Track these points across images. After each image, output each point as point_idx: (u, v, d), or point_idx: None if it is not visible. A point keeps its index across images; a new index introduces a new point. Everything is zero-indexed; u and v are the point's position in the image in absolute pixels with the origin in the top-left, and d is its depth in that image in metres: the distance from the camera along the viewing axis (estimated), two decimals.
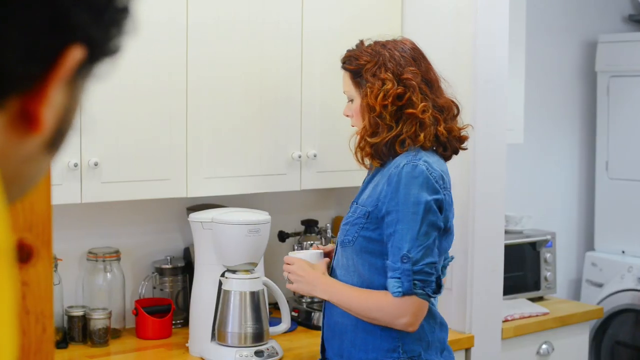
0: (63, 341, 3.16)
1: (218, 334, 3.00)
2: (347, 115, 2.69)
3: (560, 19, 4.95)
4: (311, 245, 3.37)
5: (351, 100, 2.67)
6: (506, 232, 3.88)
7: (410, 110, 2.54)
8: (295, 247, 3.31)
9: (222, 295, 2.99)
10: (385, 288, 2.49)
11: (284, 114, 3.31)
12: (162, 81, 3.03)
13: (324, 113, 3.35)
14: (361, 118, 2.62)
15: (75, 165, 2.87)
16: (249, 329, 2.97)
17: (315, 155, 3.36)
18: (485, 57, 3.37)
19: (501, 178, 3.48)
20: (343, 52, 2.74)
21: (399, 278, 2.43)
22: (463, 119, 2.69)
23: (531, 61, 4.53)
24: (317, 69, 3.36)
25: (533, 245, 4.29)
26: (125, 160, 2.99)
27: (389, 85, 2.56)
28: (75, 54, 0.64)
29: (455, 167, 2.73)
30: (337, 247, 2.67)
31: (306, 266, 2.65)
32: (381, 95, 2.55)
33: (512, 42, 3.64)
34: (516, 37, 3.96)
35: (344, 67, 2.70)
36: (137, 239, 3.43)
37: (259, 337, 2.99)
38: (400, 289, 2.43)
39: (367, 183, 2.65)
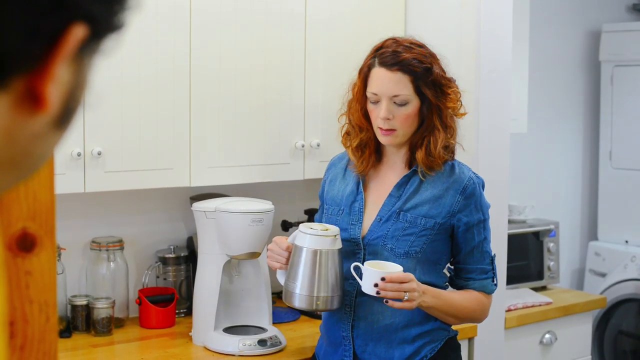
0: (66, 330, 3.16)
1: (286, 293, 2.62)
2: (388, 119, 2.55)
3: (564, 8, 4.94)
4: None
5: (402, 104, 2.55)
6: (509, 221, 3.88)
7: (463, 113, 2.65)
8: (361, 264, 2.59)
9: (293, 251, 2.60)
10: (435, 287, 2.59)
11: (287, 103, 3.31)
12: (166, 70, 3.03)
13: (328, 102, 3.34)
14: (413, 122, 2.57)
15: (79, 154, 2.88)
16: (322, 292, 2.57)
17: (318, 145, 3.36)
18: (489, 46, 3.37)
19: (505, 167, 3.48)
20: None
21: (493, 277, 2.66)
22: (467, 108, 2.71)
23: (535, 51, 4.52)
24: (321, 57, 3.35)
25: (536, 234, 4.29)
26: (129, 149, 2.99)
27: (457, 88, 2.62)
28: (78, 32, 0.64)
29: (459, 157, 2.73)
30: (372, 256, 2.59)
31: (414, 277, 2.50)
32: (457, 97, 2.60)
33: (516, 31, 3.63)
34: (520, 27, 3.95)
35: (402, 70, 2.54)
36: (140, 228, 3.43)
37: (332, 302, 2.59)
38: (496, 286, 2.67)
39: (411, 191, 2.61)
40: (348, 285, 2.62)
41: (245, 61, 3.20)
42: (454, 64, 2.72)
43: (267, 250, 2.68)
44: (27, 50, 0.63)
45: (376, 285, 2.44)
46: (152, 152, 3.03)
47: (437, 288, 2.60)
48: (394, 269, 2.49)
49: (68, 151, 2.86)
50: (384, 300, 2.46)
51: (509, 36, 3.43)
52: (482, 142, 3.36)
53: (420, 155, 2.58)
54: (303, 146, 3.33)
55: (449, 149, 2.61)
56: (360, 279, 2.51)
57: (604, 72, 4.98)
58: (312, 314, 3.41)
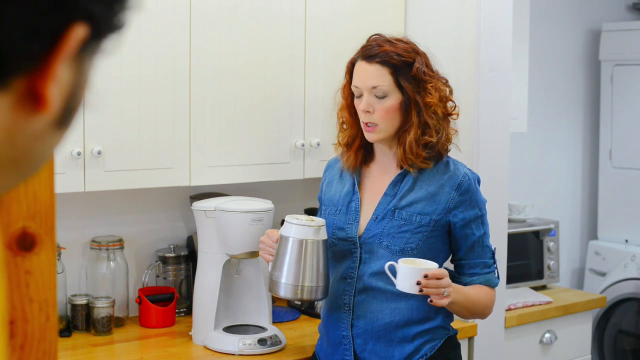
0: (66, 330, 3.16)
1: (271, 283, 2.64)
2: (367, 111, 2.57)
3: (564, 7, 4.94)
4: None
5: (382, 97, 2.57)
6: (509, 221, 3.88)
7: (455, 113, 2.64)
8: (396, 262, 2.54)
9: (279, 241, 2.62)
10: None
11: (287, 102, 3.31)
12: (166, 69, 3.03)
13: (327, 101, 3.34)
14: (394, 117, 2.57)
15: (79, 153, 2.88)
16: (307, 282, 2.58)
17: (318, 144, 3.36)
18: (489, 45, 3.36)
19: (505, 167, 3.47)
20: (357, 45, 2.67)
21: (496, 270, 2.69)
22: (467, 107, 2.71)
23: (535, 50, 4.52)
24: (320, 56, 3.35)
25: (536, 234, 4.29)
26: (129, 148, 2.99)
27: (442, 85, 2.61)
28: (79, 32, 0.64)
29: (459, 156, 2.74)
30: (368, 255, 2.62)
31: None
32: (439, 95, 2.58)
33: (516, 30, 3.63)
34: (520, 26, 3.95)
35: (381, 62, 2.56)
36: (140, 227, 3.43)
37: (316, 292, 2.61)
38: (499, 280, 2.70)
39: (406, 189, 2.62)
40: (346, 285, 2.63)
41: (245, 60, 3.20)
42: (454, 62, 2.72)
43: (260, 242, 2.69)
44: (28, 50, 0.63)
45: (418, 282, 2.44)
46: (152, 151, 3.03)
47: None
48: (429, 266, 2.49)
49: (68, 150, 2.86)
50: (429, 299, 2.46)
51: (509, 35, 3.43)
52: (482, 141, 3.36)
53: (399, 151, 2.60)
54: (303, 145, 3.33)
55: (429, 147, 2.59)
56: (395, 277, 2.50)
57: (604, 71, 4.97)
58: (312, 313, 3.41)
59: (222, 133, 3.17)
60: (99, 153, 2.91)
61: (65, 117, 0.69)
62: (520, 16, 3.92)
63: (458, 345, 2.75)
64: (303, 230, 2.57)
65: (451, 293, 2.47)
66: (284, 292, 2.60)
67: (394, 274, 2.50)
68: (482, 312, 2.68)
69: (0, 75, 0.63)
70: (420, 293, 2.45)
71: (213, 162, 3.16)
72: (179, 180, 3.11)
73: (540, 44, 4.71)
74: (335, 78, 3.17)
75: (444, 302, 2.46)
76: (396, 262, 2.51)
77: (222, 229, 3.01)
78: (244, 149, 3.23)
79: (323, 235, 2.59)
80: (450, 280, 2.49)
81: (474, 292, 2.62)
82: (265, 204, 3.03)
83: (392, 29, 3.45)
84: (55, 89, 0.65)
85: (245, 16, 3.18)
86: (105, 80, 2.85)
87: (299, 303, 3.43)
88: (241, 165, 3.23)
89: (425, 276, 2.43)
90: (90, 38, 0.66)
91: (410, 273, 2.45)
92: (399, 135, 2.60)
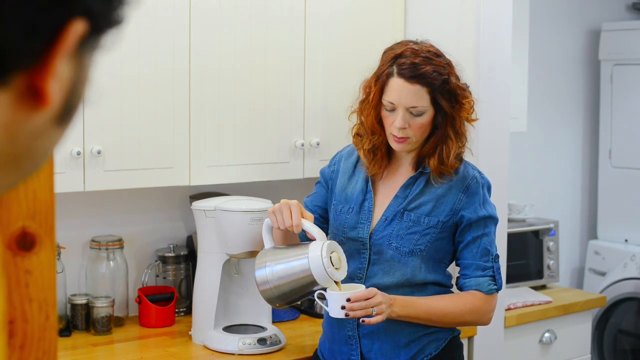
0: (66, 329, 3.16)
1: (259, 261, 2.60)
2: (404, 128, 2.54)
3: (564, 6, 4.94)
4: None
5: (418, 115, 2.54)
6: (509, 220, 3.88)
7: (475, 119, 2.64)
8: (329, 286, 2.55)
9: (300, 252, 2.55)
10: (440, 285, 2.64)
11: (287, 102, 3.31)
12: (165, 69, 3.03)
13: (327, 101, 3.34)
14: (426, 130, 2.57)
15: (79, 153, 2.88)
16: (282, 298, 2.57)
17: (318, 144, 3.36)
18: (488, 45, 3.36)
19: (504, 167, 3.47)
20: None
21: (493, 276, 2.63)
22: None
23: (535, 49, 4.52)
24: (320, 56, 3.35)
25: (536, 233, 4.29)
26: (128, 148, 2.99)
27: (469, 95, 2.63)
28: (77, 28, 0.64)
29: (470, 159, 2.74)
30: (377, 256, 2.62)
31: (379, 291, 2.50)
32: (470, 106, 2.60)
33: (516, 30, 3.63)
34: (520, 25, 3.95)
35: (422, 83, 2.53)
36: (140, 227, 3.43)
37: (273, 303, 2.62)
38: (495, 287, 2.63)
39: (416, 192, 2.62)
40: None
41: (245, 60, 3.20)
42: (454, 62, 2.72)
43: (280, 203, 2.55)
44: (27, 46, 0.63)
45: (343, 307, 2.44)
46: (151, 151, 3.03)
47: (441, 286, 2.65)
48: (356, 288, 2.49)
49: (68, 150, 2.86)
50: (361, 320, 2.47)
51: (508, 35, 3.43)
52: (481, 141, 3.36)
53: (433, 163, 2.59)
54: (303, 145, 3.33)
55: (459, 157, 2.63)
56: (326, 305, 2.51)
57: (603, 71, 4.97)
58: (312, 313, 3.41)
59: (222, 133, 3.17)
60: (99, 153, 2.91)
61: (66, 114, 0.69)
62: (520, 16, 3.92)
63: (461, 345, 2.76)
64: (324, 278, 2.50)
65: (385, 310, 2.45)
66: (260, 280, 2.56)
67: (325, 302, 2.52)
68: (459, 321, 2.64)
69: (0, 72, 0.63)
70: (347, 317, 2.46)
71: (213, 162, 3.16)
72: (179, 180, 3.11)
73: (540, 44, 4.71)
74: (336, 77, 3.17)
75: (377, 319, 2.45)
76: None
77: (221, 229, 3.01)
78: (244, 148, 3.23)
79: (328, 283, 2.52)
80: (381, 298, 2.45)
81: (443, 302, 2.59)
82: (265, 204, 3.03)
83: (392, 29, 3.46)
84: (55, 85, 0.65)
85: (245, 16, 3.18)
86: (105, 80, 2.85)
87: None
88: (241, 165, 3.23)
89: (349, 300, 2.43)
90: (89, 34, 0.66)
91: (334, 299, 2.47)
92: (426, 146, 2.61)
